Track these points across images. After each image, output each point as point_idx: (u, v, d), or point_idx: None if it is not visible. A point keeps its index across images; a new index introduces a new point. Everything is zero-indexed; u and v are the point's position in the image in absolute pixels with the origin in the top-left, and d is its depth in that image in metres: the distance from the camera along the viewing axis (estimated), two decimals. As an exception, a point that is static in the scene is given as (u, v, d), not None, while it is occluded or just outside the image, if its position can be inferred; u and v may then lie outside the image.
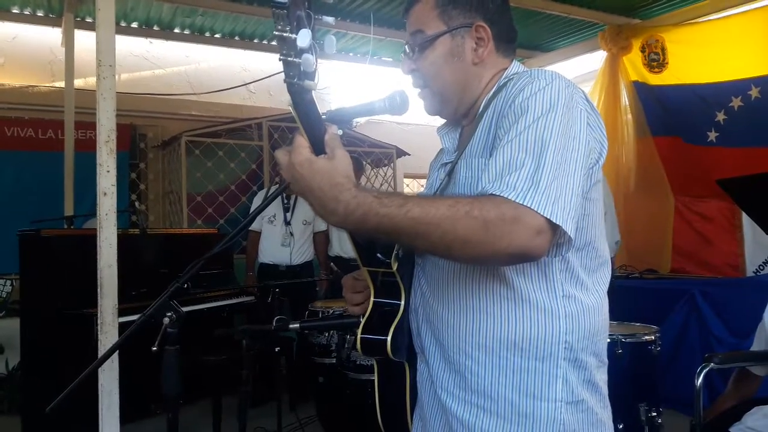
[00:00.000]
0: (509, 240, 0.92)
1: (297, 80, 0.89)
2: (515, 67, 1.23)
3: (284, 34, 0.85)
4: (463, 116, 1.26)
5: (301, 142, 0.97)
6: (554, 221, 0.94)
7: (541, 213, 0.93)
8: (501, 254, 0.94)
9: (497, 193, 0.96)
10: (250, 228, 4.83)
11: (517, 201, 0.94)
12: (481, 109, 1.18)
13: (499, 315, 1.09)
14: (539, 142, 0.98)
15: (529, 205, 0.93)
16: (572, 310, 1.09)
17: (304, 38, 0.85)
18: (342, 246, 4.91)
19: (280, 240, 4.72)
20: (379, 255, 1.21)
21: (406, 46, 1.23)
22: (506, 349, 1.09)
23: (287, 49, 0.86)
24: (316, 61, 0.89)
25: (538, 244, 0.94)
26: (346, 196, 0.95)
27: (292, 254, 4.73)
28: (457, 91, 1.21)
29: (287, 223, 4.73)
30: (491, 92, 1.18)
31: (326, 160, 0.97)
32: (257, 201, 4.95)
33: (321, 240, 4.99)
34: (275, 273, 4.66)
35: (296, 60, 0.87)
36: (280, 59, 0.87)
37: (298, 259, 4.77)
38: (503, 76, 1.20)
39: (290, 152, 0.98)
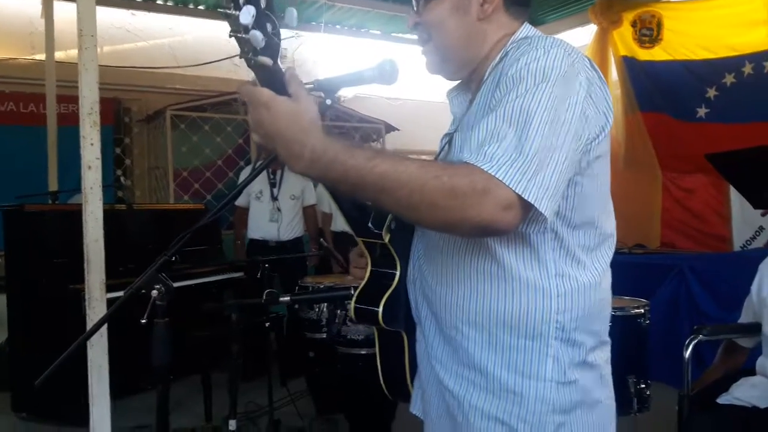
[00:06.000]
0: (477, 210, 0.91)
1: (251, 56, 0.89)
2: (525, 30, 1.17)
3: (228, 11, 0.86)
4: (468, 79, 1.22)
5: (260, 89, 0.94)
6: (526, 198, 0.92)
7: (513, 188, 0.91)
8: (466, 223, 0.92)
9: (472, 162, 0.93)
10: (236, 203, 4.80)
11: (490, 173, 0.91)
12: (485, 77, 1.14)
13: (489, 292, 1.08)
14: (524, 114, 0.95)
15: (501, 179, 0.91)
16: (565, 288, 1.07)
17: (246, 15, 0.85)
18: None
19: (268, 216, 4.70)
20: (370, 225, 1.19)
21: (413, 1, 1.19)
22: (496, 326, 1.08)
23: (234, 26, 0.86)
24: (267, 37, 0.88)
25: (505, 218, 0.92)
26: (312, 140, 0.92)
27: (281, 230, 4.70)
28: (460, 48, 1.17)
29: (274, 198, 4.70)
30: (496, 59, 1.13)
31: (291, 101, 0.93)
32: (244, 176, 4.91)
33: (311, 214, 4.97)
34: (265, 249, 4.65)
35: (245, 36, 0.86)
36: (229, 35, 0.88)
37: (287, 235, 4.75)
38: (510, 41, 1.15)
39: (252, 92, 0.94)
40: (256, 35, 0.87)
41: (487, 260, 1.08)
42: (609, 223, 1.14)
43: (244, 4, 0.85)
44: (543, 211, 0.93)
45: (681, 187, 5.31)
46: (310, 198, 4.93)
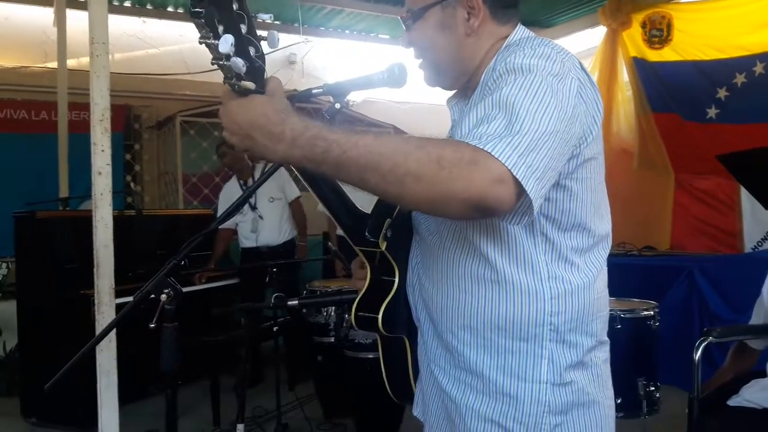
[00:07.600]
0: (466, 182, 0.85)
1: (235, 81, 0.91)
2: (518, 33, 1.15)
3: (207, 41, 0.88)
4: (466, 86, 1.21)
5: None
6: (515, 174, 0.86)
7: (503, 162, 0.86)
8: (456, 198, 0.86)
9: (461, 140, 0.91)
10: (220, 227, 4.24)
11: (479, 146, 0.88)
12: (481, 82, 1.13)
13: (483, 296, 1.08)
14: (512, 99, 0.93)
15: (490, 151, 0.87)
16: (558, 290, 1.06)
17: (224, 44, 0.87)
18: None
19: (250, 226, 4.58)
20: (367, 234, 1.20)
21: (401, 20, 1.19)
22: (491, 330, 1.08)
23: (215, 54, 0.88)
24: (249, 62, 0.91)
25: (499, 193, 0.86)
26: (291, 119, 0.92)
27: (267, 236, 4.56)
28: (452, 63, 1.16)
29: (253, 207, 4.59)
30: (491, 64, 1.12)
31: (263, 96, 0.95)
32: (222, 197, 4.73)
33: (297, 207, 4.77)
34: (258, 255, 4.51)
35: (226, 63, 0.89)
36: (212, 63, 0.90)
37: (274, 240, 4.61)
38: (503, 45, 1.14)
39: (224, 94, 0.97)
40: (237, 62, 0.88)
41: (480, 264, 1.08)
42: (603, 225, 1.13)
43: (222, 33, 0.87)
44: (528, 192, 0.88)
45: (693, 187, 5.28)
46: (293, 193, 4.73)
